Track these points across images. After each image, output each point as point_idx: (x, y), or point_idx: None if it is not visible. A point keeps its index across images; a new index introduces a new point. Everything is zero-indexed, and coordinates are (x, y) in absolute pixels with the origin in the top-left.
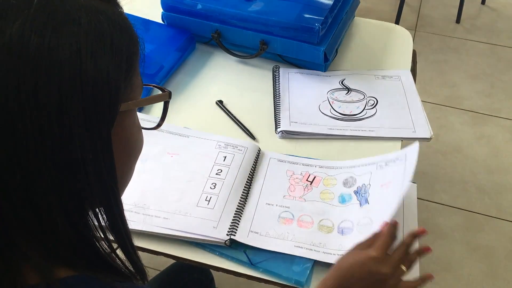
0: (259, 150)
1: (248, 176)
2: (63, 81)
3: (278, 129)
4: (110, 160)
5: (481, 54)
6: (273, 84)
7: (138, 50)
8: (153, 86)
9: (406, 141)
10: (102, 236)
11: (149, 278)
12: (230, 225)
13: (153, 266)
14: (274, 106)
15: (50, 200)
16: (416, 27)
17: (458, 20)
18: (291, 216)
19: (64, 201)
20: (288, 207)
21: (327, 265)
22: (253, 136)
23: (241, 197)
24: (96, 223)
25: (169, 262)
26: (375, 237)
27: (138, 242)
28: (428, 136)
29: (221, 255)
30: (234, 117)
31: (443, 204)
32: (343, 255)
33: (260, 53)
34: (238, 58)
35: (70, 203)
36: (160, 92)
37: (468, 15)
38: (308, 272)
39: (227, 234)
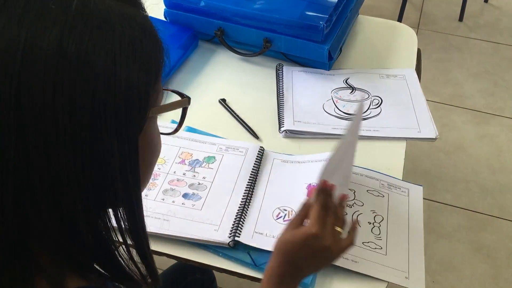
0: (263, 150)
1: (250, 177)
2: (97, 88)
3: (282, 128)
4: (136, 164)
5: (484, 52)
6: (277, 82)
7: (163, 55)
8: (171, 90)
9: (411, 141)
10: (121, 239)
11: None
12: (232, 227)
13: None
14: (278, 105)
15: (74, 201)
16: (419, 25)
17: (461, 18)
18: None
19: (87, 203)
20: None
21: (332, 265)
22: (256, 135)
23: (242, 199)
24: (115, 226)
25: (171, 262)
26: (306, 208)
27: None
28: (433, 136)
29: (225, 256)
30: (237, 116)
31: (446, 204)
32: (280, 237)
33: (264, 51)
34: (241, 56)
35: (93, 204)
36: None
37: (471, 13)
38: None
39: (229, 236)
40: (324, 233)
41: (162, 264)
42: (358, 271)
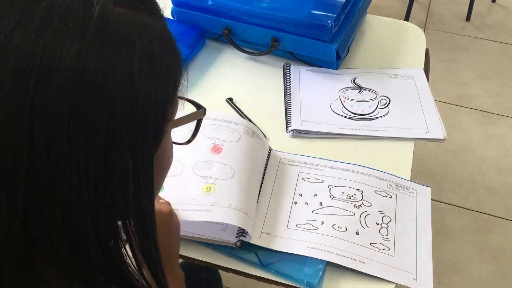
0: (270, 150)
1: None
2: (114, 109)
3: (289, 128)
4: (150, 183)
5: (491, 52)
6: (284, 81)
7: (181, 68)
8: (187, 100)
9: (418, 141)
10: (131, 256)
11: None
12: (240, 227)
13: None
14: (285, 104)
15: (84, 224)
16: (426, 24)
17: (468, 18)
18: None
19: (98, 224)
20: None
21: (340, 266)
22: (263, 135)
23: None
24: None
25: None
26: None
27: None
28: (441, 136)
29: (231, 255)
30: (245, 115)
31: (452, 205)
32: None
33: (271, 50)
34: (248, 55)
35: (104, 226)
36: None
37: (478, 13)
38: (320, 274)
39: (236, 236)
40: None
41: None
42: (365, 272)
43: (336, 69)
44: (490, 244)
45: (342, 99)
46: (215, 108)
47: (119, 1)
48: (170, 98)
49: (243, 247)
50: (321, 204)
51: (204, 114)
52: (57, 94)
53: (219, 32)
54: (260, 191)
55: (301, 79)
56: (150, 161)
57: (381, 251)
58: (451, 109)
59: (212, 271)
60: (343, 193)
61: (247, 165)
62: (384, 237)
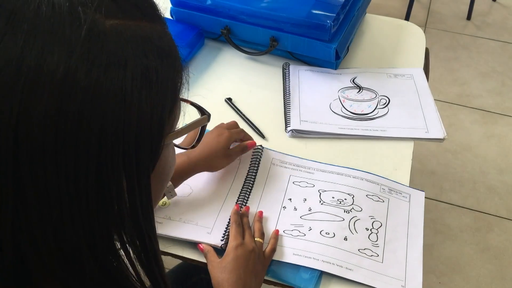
0: (261, 149)
1: (247, 180)
2: (105, 131)
3: (288, 128)
4: (147, 202)
5: (492, 51)
6: (283, 81)
7: (182, 76)
8: (191, 103)
9: (418, 141)
10: (133, 272)
11: None
12: (226, 230)
13: None
14: (284, 104)
15: (79, 246)
16: (426, 23)
17: (468, 17)
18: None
19: (94, 245)
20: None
21: (329, 274)
22: (262, 135)
23: (238, 202)
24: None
25: (175, 261)
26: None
27: None
28: (441, 136)
29: None
30: (243, 115)
31: (452, 204)
32: (215, 268)
33: (270, 49)
34: (247, 55)
35: (99, 239)
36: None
37: (479, 12)
38: (315, 279)
39: (221, 240)
40: (244, 241)
41: (167, 264)
42: (352, 279)
43: (335, 69)
44: (490, 243)
45: (342, 99)
46: (215, 108)
47: (112, 12)
48: (168, 110)
49: None
50: (310, 210)
51: (209, 120)
52: (41, 118)
53: (218, 32)
54: (249, 194)
55: (300, 79)
56: (147, 180)
57: (369, 257)
58: (452, 108)
59: None
60: (333, 197)
61: (208, 182)
62: (374, 243)
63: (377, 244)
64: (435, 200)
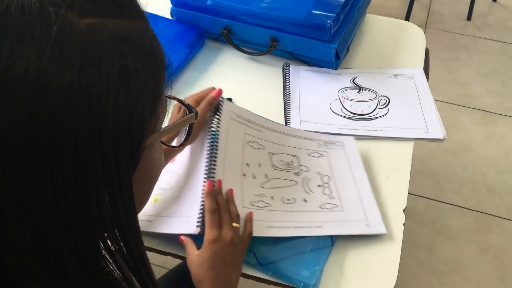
0: (221, 103)
1: (208, 153)
2: (80, 135)
3: None
4: (129, 203)
5: (492, 52)
6: (283, 81)
7: (164, 74)
8: (178, 100)
9: (418, 141)
10: (119, 273)
11: (157, 277)
12: (200, 214)
13: (160, 264)
14: (284, 104)
15: (62, 253)
16: (426, 24)
17: (469, 18)
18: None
19: (77, 250)
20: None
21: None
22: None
23: (204, 177)
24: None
25: (175, 261)
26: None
27: (147, 243)
28: (441, 136)
29: None
30: None
31: (453, 205)
32: (193, 262)
33: (270, 50)
34: (247, 55)
35: (82, 244)
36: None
37: (479, 12)
38: (317, 275)
39: (197, 226)
40: (221, 233)
41: (167, 264)
42: (324, 234)
43: (335, 69)
44: (491, 244)
45: (342, 99)
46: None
47: (86, 11)
48: (149, 111)
49: None
50: (266, 177)
51: (196, 118)
52: (12, 123)
53: (218, 32)
54: (214, 168)
55: (300, 79)
56: (128, 182)
57: (331, 210)
58: (452, 108)
59: None
60: (282, 161)
61: (189, 164)
62: (329, 196)
63: (333, 196)
64: (435, 201)
